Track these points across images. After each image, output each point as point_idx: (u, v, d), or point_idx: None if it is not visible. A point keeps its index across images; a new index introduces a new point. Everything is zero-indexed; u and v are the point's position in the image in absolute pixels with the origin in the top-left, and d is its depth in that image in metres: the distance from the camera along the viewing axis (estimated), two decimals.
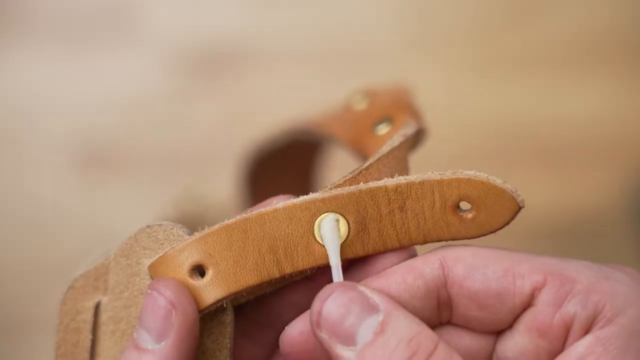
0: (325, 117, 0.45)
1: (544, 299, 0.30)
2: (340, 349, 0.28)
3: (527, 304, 0.31)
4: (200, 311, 0.31)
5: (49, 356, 0.36)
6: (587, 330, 0.29)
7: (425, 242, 0.33)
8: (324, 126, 0.44)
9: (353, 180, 0.33)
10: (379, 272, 0.33)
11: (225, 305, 0.32)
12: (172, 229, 0.33)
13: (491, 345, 0.32)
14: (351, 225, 0.32)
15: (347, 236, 0.32)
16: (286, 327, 0.32)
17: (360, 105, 0.42)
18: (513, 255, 0.31)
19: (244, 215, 0.32)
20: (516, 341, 0.31)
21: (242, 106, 0.81)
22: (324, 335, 0.29)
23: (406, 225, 0.32)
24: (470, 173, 0.32)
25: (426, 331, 0.28)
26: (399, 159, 0.34)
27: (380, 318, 0.28)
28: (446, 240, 0.33)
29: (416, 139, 0.37)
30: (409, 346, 0.27)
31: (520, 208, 0.32)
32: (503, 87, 0.82)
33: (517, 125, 0.81)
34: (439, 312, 0.32)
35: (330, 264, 0.31)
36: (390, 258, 0.33)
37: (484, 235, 0.33)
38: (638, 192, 0.78)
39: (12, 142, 0.81)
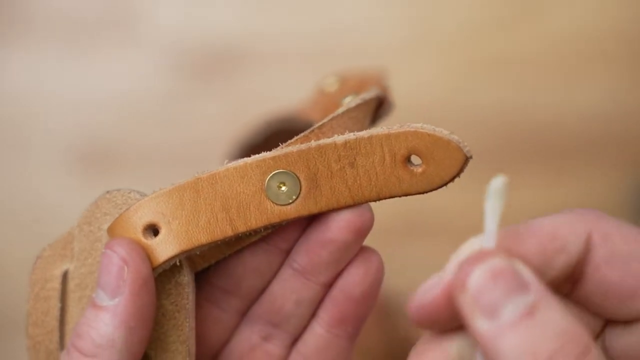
0: (303, 104, 0.45)
1: None
2: (478, 320, 0.26)
3: None
4: (154, 269, 0.32)
5: None
6: None
7: (378, 199, 0.33)
8: (302, 112, 0.44)
9: (305, 138, 0.33)
10: (332, 230, 0.33)
11: (180, 265, 0.33)
12: (130, 193, 0.34)
13: (599, 328, 0.30)
14: (302, 182, 0.32)
15: (299, 193, 0.32)
16: (418, 290, 0.28)
17: (333, 88, 0.43)
18: None
19: (196, 175, 0.33)
20: (633, 337, 0.29)
21: (241, 105, 0.82)
22: (466, 300, 0.26)
23: (358, 182, 0.33)
24: (417, 125, 0.32)
25: (580, 329, 0.25)
26: (356, 119, 0.35)
27: (531, 300, 0.26)
28: (399, 196, 0.33)
29: (380, 107, 0.38)
30: (559, 338, 0.25)
31: (467, 158, 0.32)
32: (503, 86, 0.82)
33: (516, 125, 0.80)
34: (561, 285, 0.29)
35: (486, 228, 0.28)
36: (344, 215, 0.33)
37: (435, 189, 0.32)
38: (638, 191, 0.76)
39: (12, 142, 0.82)
